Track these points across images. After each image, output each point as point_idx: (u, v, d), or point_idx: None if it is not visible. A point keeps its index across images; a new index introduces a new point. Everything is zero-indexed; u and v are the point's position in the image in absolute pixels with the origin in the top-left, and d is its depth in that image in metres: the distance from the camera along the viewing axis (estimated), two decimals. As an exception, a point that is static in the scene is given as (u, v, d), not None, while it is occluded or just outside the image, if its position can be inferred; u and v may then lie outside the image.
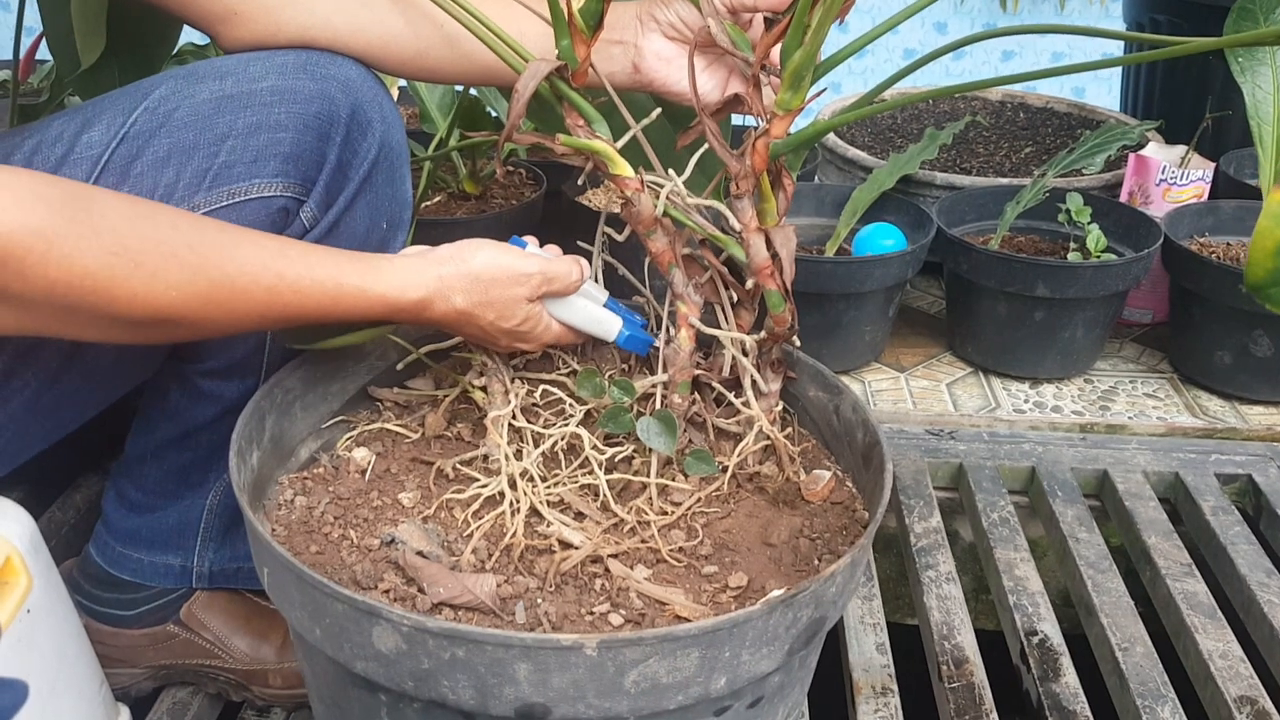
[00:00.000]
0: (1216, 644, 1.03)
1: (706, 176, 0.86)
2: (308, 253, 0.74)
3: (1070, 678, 1.00)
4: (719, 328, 0.86)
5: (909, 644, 1.15)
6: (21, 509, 0.82)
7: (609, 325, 0.87)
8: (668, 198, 0.81)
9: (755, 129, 0.80)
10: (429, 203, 1.69)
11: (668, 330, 0.86)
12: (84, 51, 0.94)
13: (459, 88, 1.61)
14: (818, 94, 0.81)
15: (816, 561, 0.78)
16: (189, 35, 1.07)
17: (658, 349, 0.87)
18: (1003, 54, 3.31)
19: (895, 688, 0.99)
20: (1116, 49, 2.98)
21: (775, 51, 0.80)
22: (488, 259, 0.80)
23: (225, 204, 0.79)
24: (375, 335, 0.81)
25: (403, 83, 1.73)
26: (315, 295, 0.73)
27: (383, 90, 0.87)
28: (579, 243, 0.93)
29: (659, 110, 0.84)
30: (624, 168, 0.80)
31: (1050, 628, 1.05)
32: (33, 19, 1.19)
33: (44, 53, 1.70)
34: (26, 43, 1.46)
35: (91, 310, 0.66)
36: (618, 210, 0.84)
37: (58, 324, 0.67)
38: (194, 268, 0.68)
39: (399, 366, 0.92)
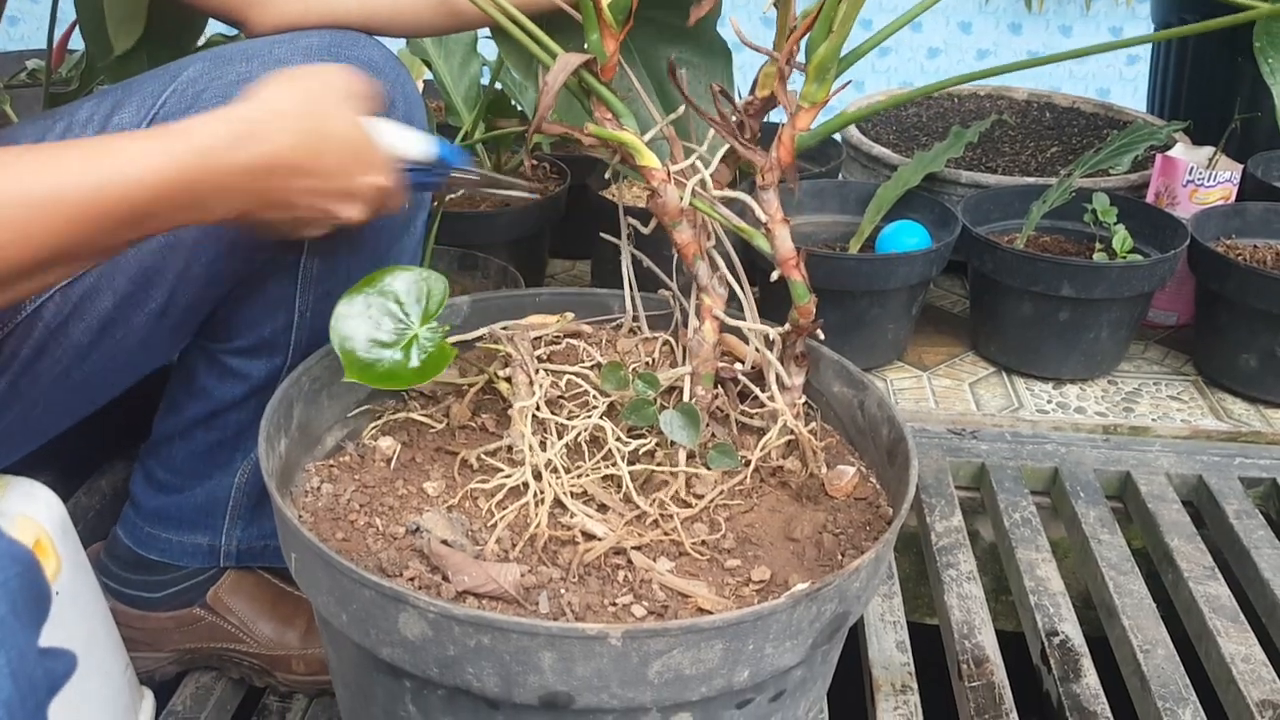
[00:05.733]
0: (1239, 647, 1.02)
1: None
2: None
3: (1091, 679, 0.99)
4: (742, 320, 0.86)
5: (929, 643, 1.15)
6: (51, 492, 0.84)
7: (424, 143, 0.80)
8: (694, 189, 0.81)
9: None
10: (454, 195, 1.69)
11: (692, 322, 0.87)
12: (119, 38, 0.95)
13: (484, 81, 1.62)
14: (842, 87, 0.81)
15: (840, 557, 0.78)
16: (217, 26, 1.07)
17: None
18: (1027, 53, 3.30)
19: (915, 685, 0.99)
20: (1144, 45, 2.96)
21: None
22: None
23: None
24: (432, 377, 0.80)
25: (429, 75, 1.73)
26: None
27: (405, 73, 0.88)
28: (603, 234, 0.93)
29: (683, 108, 0.84)
30: (651, 159, 0.81)
31: (1071, 629, 1.05)
32: (65, 9, 1.20)
33: (74, 42, 1.71)
34: (58, 31, 1.47)
35: None
36: (642, 204, 0.85)
37: None
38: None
39: (424, 356, 0.92)
